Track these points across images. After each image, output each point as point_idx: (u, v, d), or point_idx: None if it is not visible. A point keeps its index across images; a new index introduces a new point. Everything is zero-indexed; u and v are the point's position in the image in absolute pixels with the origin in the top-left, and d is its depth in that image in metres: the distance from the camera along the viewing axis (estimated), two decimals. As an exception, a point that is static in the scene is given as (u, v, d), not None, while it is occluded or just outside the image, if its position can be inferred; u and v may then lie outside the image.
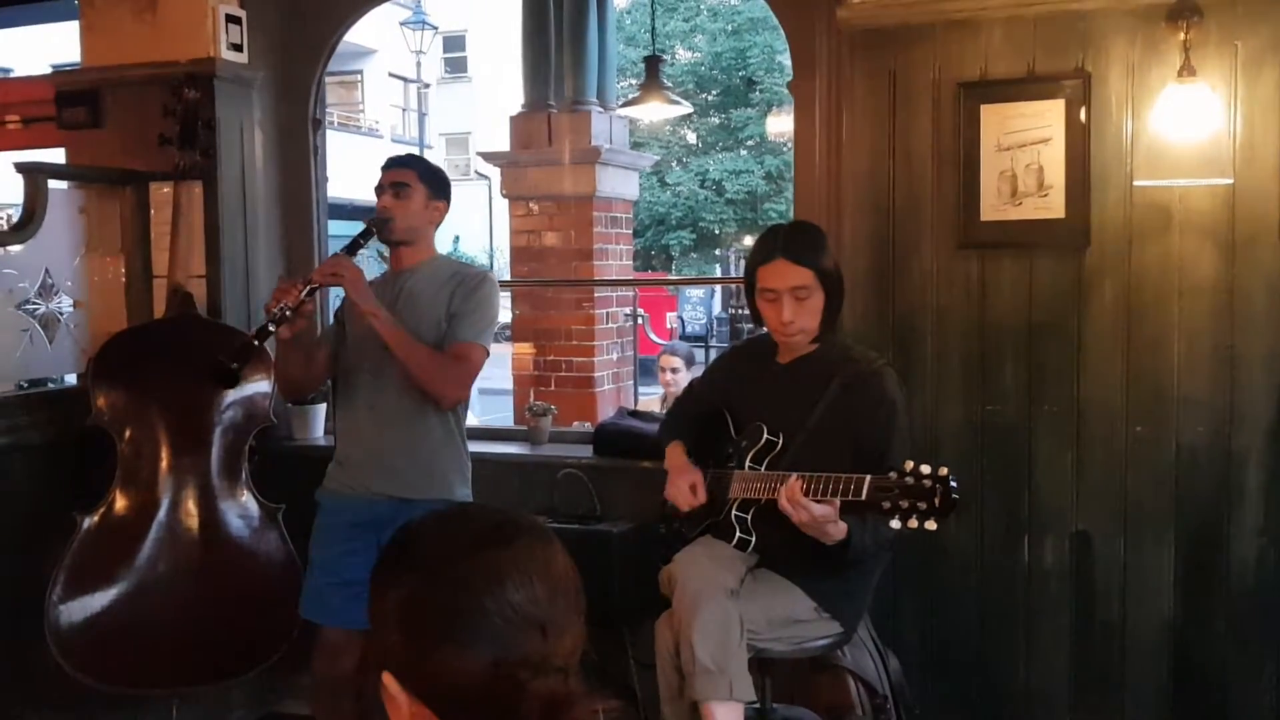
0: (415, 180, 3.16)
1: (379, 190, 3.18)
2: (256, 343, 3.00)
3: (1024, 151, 3.22)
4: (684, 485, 2.85)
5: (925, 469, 2.35)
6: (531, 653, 1.19)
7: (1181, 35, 3.03)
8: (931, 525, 2.33)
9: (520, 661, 1.18)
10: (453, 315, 3.11)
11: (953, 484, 2.33)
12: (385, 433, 3.12)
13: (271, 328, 2.95)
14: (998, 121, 3.23)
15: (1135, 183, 3.15)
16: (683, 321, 17.91)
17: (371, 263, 3.16)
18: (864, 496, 2.42)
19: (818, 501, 2.48)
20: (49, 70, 5.71)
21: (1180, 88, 3.03)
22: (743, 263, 3.78)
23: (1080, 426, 3.24)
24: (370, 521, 3.09)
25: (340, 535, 3.15)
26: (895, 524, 2.36)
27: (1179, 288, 3.14)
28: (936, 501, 2.33)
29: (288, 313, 2.94)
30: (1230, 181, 3.07)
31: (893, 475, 2.38)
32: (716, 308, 19.88)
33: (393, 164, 3.24)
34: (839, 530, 2.54)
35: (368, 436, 3.14)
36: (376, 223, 3.13)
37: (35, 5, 6.48)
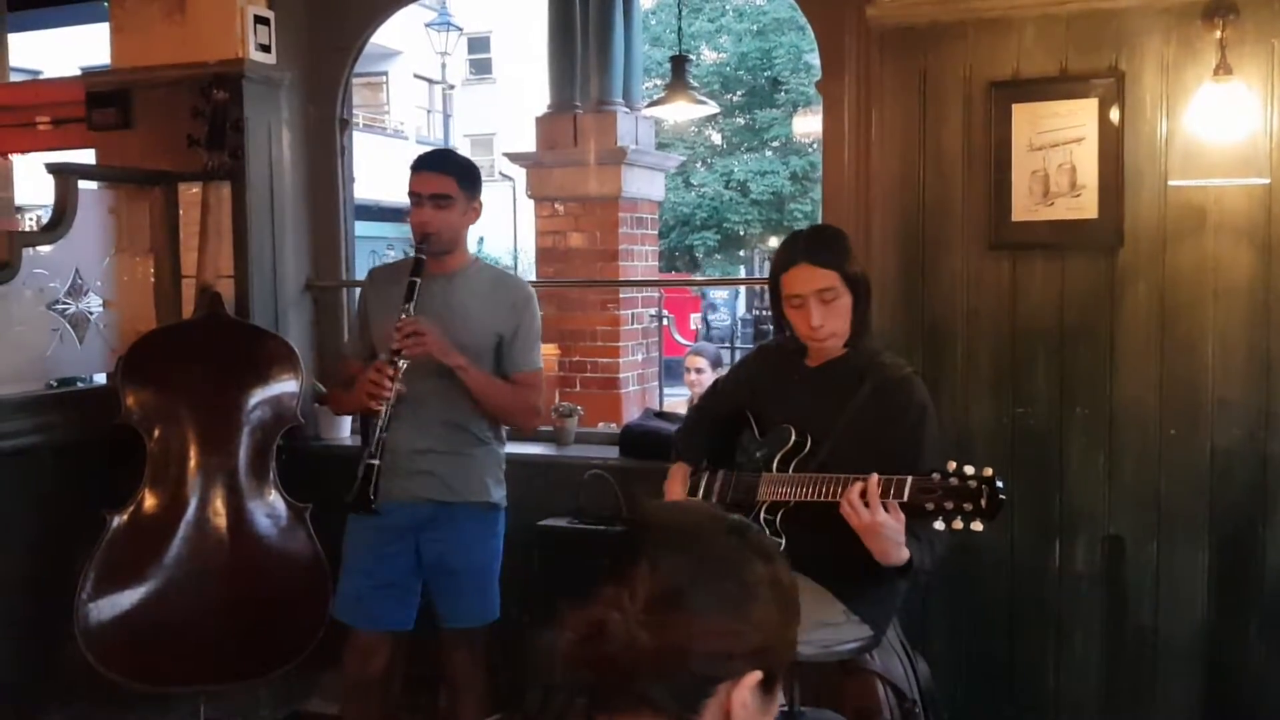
0: (455, 189, 3.09)
1: (416, 200, 3.07)
2: (377, 462, 2.99)
3: (1056, 151, 3.19)
4: None
5: (969, 469, 2.32)
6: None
7: (1217, 33, 2.99)
8: (978, 526, 2.30)
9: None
10: (505, 341, 3.15)
11: (999, 485, 2.29)
12: (425, 439, 3.13)
13: (385, 435, 2.98)
14: (1030, 121, 3.20)
15: (1170, 183, 3.11)
16: (707, 323, 17.89)
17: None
18: (905, 497, 2.38)
19: (887, 508, 2.43)
20: (78, 72, 5.75)
21: (1216, 86, 2.99)
22: (768, 264, 3.74)
23: (1113, 429, 3.21)
24: (408, 525, 3.14)
25: (377, 537, 3.16)
26: (939, 525, 2.32)
27: (1214, 289, 3.10)
28: (983, 503, 2.29)
29: (392, 408, 2.98)
30: (1267, 182, 3.03)
31: (935, 476, 2.35)
32: (741, 309, 19.85)
33: (427, 167, 3.12)
34: (900, 554, 2.47)
35: (406, 442, 3.13)
36: (424, 245, 3.07)
37: (65, 7, 6.53)
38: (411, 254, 3.15)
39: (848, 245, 2.77)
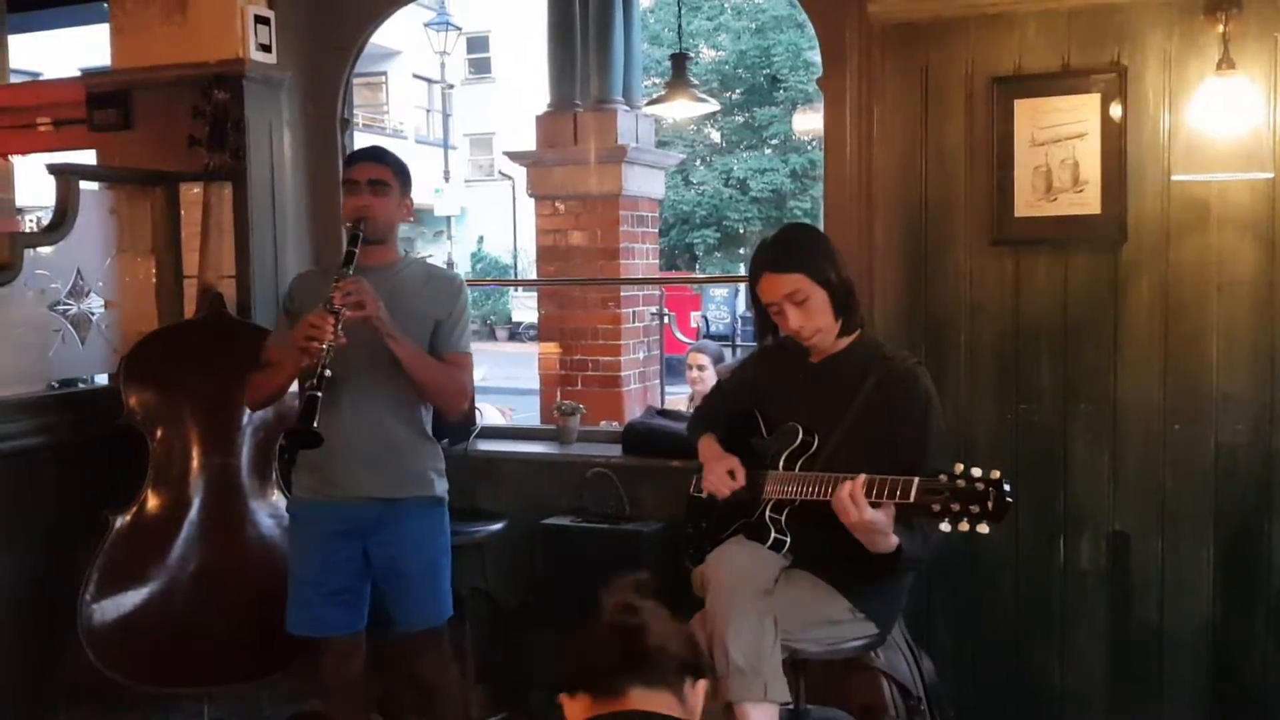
0: (391, 178, 3.09)
1: (353, 186, 3.06)
2: (319, 394, 2.85)
3: (1059, 146, 3.18)
4: (722, 471, 2.81)
5: (976, 472, 2.31)
6: None
7: (1220, 28, 2.99)
8: (984, 529, 2.29)
9: None
10: (439, 324, 3.10)
11: (1006, 487, 2.29)
12: (367, 435, 3.06)
13: (328, 373, 2.85)
14: (1032, 116, 3.20)
15: (1173, 177, 3.11)
16: (707, 320, 17.86)
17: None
18: (912, 499, 2.38)
19: (872, 506, 2.45)
20: (78, 74, 5.74)
21: (1219, 81, 2.99)
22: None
23: (1117, 425, 3.20)
24: (354, 529, 3.07)
25: (322, 544, 3.09)
26: (945, 527, 2.32)
27: (1218, 283, 3.10)
28: (989, 505, 2.28)
29: (332, 350, 2.85)
30: (1270, 176, 3.03)
31: (942, 478, 2.34)
32: (740, 307, 19.80)
33: (364, 158, 3.12)
34: (889, 542, 2.50)
35: (348, 440, 3.04)
36: (361, 225, 3.03)
37: (64, 9, 6.51)
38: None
39: (813, 242, 2.78)
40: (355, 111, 4.54)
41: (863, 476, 2.46)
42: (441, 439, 3.26)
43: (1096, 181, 3.16)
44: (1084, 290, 3.21)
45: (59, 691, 3.62)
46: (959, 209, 3.30)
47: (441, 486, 3.18)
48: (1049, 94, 3.19)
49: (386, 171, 3.09)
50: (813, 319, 2.70)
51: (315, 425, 2.86)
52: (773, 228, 22.01)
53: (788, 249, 2.75)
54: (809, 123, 17.51)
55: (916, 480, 2.38)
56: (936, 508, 2.33)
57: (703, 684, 1.65)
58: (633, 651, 1.58)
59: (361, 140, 4.33)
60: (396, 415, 3.09)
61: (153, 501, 3.49)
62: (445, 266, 3.14)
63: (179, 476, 3.52)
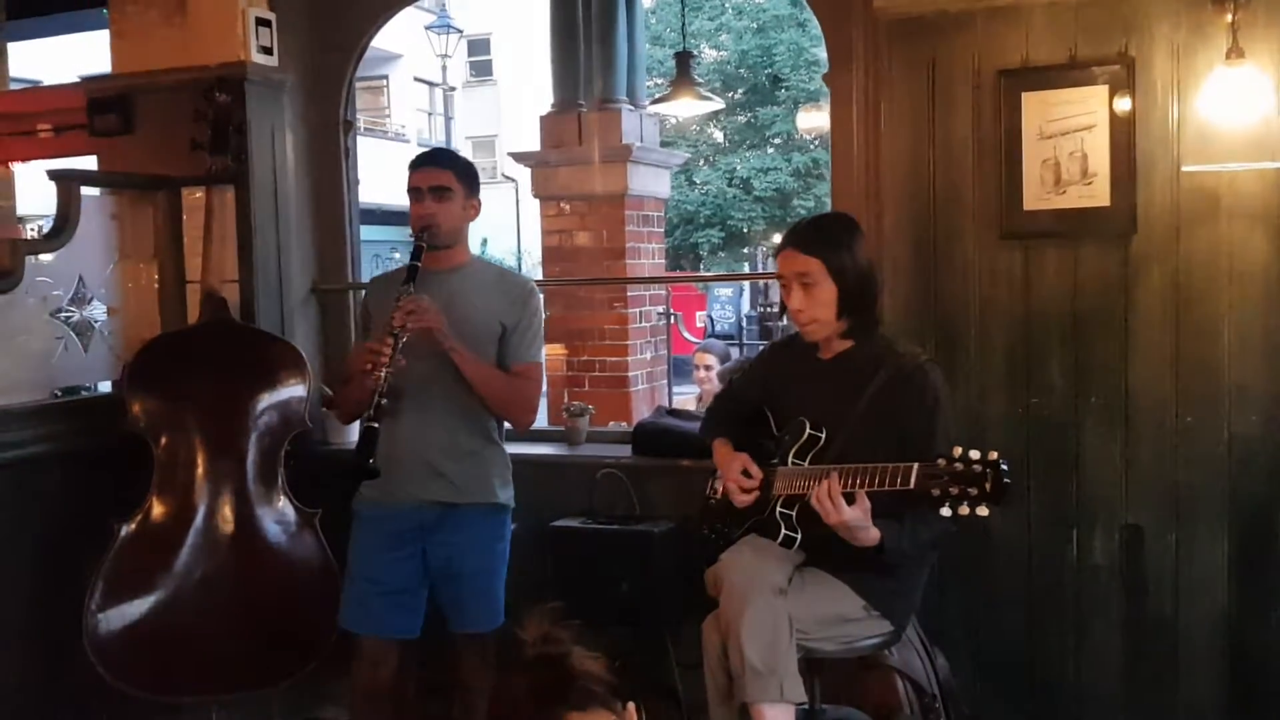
0: (454, 181, 3.10)
1: (416, 194, 3.08)
2: (376, 425, 2.90)
3: (1067, 139, 3.16)
4: (736, 473, 2.79)
5: (974, 454, 2.32)
6: None
7: (1229, 17, 2.97)
8: (984, 511, 2.29)
9: None
10: (507, 332, 3.11)
11: (1004, 468, 2.29)
12: (432, 439, 3.09)
13: (384, 401, 2.89)
14: (1040, 109, 3.18)
15: (1182, 168, 3.09)
16: (711, 320, 17.85)
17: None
18: (912, 485, 2.38)
19: (853, 496, 2.45)
20: (77, 81, 5.72)
21: (1228, 70, 2.96)
22: (771, 260, 3.74)
23: (1128, 417, 3.18)
24: (416, 529, 3.11)
25: (384, 544, 3.13)
26: (946, 511, 2.31)
27: (1229, 274, 3.07)
28: (988, 486, 2.29)
29: (391, 377, 2.88)
30: (1281, 165, 3.00)
31: (941, 462, 2.35)
32: (745, 306, 19.80)
33: (426, 163, 3.15)
34: (869, 536, 2.50)
35: (413, 444, 3.09)
36: (424, 235, 3.05)
37: (63, 15, 6.50)
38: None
39: (846, 236, 2.75)
40: (357, 115, 4.53)
41: (834, 476, 2.48)
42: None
43: (1105, 173, 3.13)
44: (1094, 283, 3.19)
45: (65, 701, 3.60)
46: (967, 203, 3.28)
47: (505, 494, 3.21)
48: (1056, 86, 3.17)
49: (449, 176, 3.10)
50: (812, 307, 2.70)
51: (373, 461, 2.90)
52: (777, 227, 22.05)
53: (816, 232, 2.76)
54: (812, 121, 17.50)
55: (916, 466, 2.39)
56: (936, 492, 2.33)
57: (632, 706, 1.62)
58: (561, 679, 1.56)
59: (364, 144, 4.32)
60: (462, 422, 3.11)
61: (158, 509, 3.47)
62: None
63: (184, 484, 3.49)
